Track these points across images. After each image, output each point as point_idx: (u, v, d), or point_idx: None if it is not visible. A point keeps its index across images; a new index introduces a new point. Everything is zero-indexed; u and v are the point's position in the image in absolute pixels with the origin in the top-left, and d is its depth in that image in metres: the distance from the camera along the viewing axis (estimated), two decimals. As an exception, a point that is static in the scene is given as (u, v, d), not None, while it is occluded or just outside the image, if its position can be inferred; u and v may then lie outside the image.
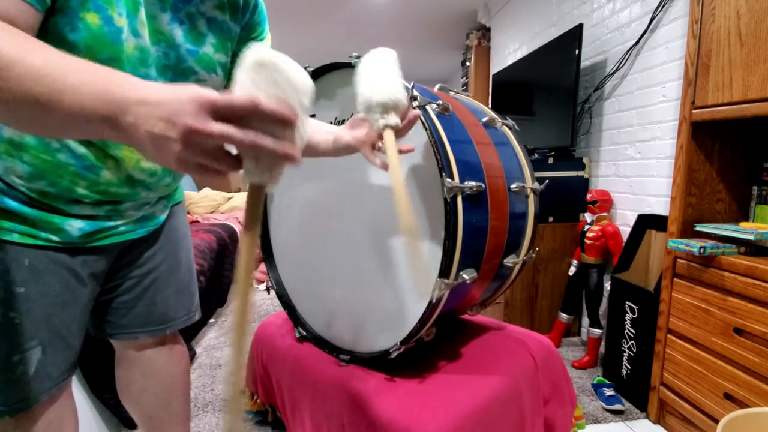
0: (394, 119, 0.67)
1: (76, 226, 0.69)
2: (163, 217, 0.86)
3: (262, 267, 1.36)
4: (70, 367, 0.75)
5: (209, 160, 0.41)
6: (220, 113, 0.39)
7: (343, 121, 1.00)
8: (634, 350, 1.57)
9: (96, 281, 0.76)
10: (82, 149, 0.64)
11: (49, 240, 0.67)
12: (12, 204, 0.63)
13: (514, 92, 2.65)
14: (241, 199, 4.25)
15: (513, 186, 0.99)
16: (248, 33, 0.79)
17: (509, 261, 1.01)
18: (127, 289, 0.83)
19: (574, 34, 1.96)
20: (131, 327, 0.86)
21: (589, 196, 1.94)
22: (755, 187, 1.32)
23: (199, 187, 4.19)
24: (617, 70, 1.91)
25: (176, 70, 0.69)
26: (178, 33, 0.67)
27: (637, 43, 1.78)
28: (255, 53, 0.43)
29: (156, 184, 0.75)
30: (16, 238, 0.64)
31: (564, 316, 2.03)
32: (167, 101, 0.39)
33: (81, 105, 0.40)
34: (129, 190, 0.60)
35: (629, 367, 1.60)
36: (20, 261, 0.65)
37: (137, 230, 0.80)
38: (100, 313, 0.84)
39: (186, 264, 0.92)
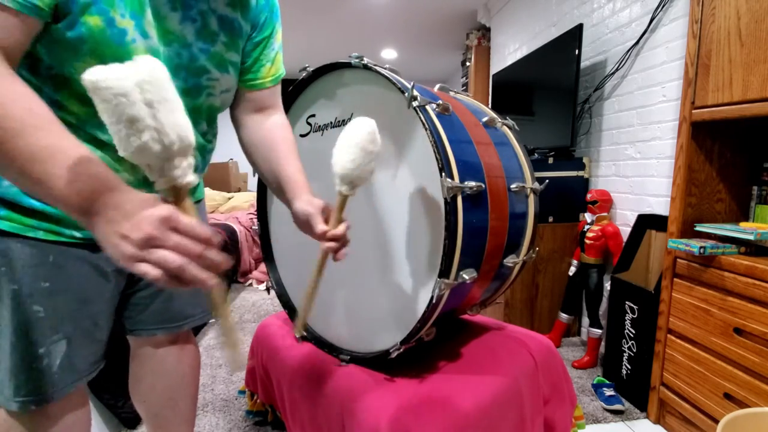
0: (346, 189, 0.73)
1: None
2: None
3: (262, 267, 1.36)
4: (98, 360, 0.77)
5: (153, 265, 0.44)
6: (178, 230, 0.45)
7: (344, 122, 1.00)
8: (634, 350, 1.57)
9: (121, 276, 0.77)
10: (97, 153, 0.66)
11: (73, 236, 0.68)
12: (35, 203, 0.65)
13: (514, 92, 2.65)
14: (241, 198, 4.25)
15: (513, 186, 0.99)
16: (259, 32, 0.79)
17: (509, 261, 1.01)
18: (146, 284, 0.84)
19: (574, 34, 1.96)
20: (149, 323, 0.87)
21: (589, 196, 1.94)
22: (755, 187, 1.32)
23: (199, 187, 4.19)
24: (617, 70, 1.91)
25: (189, 70, 0.69)
26: (190, 31, 0.68)
27: (637, 43, 1.78)
28: (85, 80, 0.42)
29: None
30: (40, 234, 0.65)
31: (564, 316, 2.03)
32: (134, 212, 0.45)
33: (62, 193, 0.46)
34: (147, 189, 0.59)
35: (629, 367, 1.60)
36: (45, 257, 0.66)
37: None
38: (119, 308, 0.84)
39: None
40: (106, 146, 0.66)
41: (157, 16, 0.63)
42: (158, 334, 0.90)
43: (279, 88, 0.88)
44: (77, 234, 0.68)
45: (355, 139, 0.71)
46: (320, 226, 0.71)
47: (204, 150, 0.82)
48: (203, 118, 0.80)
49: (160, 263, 0.44)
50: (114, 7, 0.58)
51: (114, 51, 0.59)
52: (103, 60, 0.56)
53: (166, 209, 0.45)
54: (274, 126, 0.85)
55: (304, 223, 0.76)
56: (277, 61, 0.85)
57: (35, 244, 0.66)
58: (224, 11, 0.72)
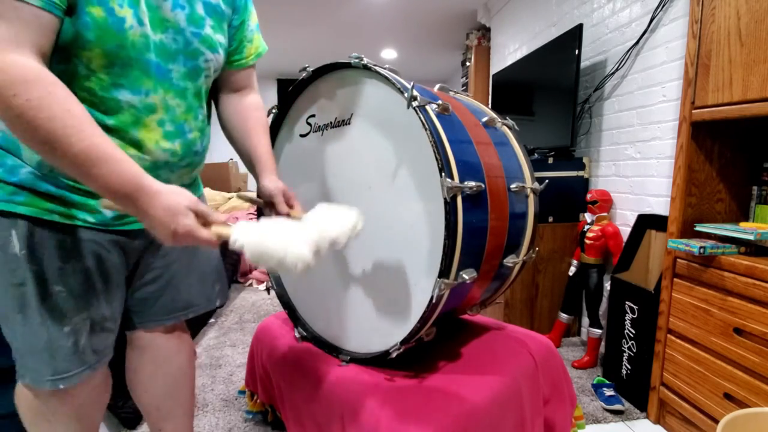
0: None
1: (110, 210, 0.76)
2: None
3: (262, 267, 1.36)
4: (112, 344, 0.83)
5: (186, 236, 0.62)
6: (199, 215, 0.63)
7: (343, 122, 1.00)
8: (634, 350, 1.57)
9: (127, 260, 0.83)
10: None
11: (86, 221, 0.74)
12: (51, 188, 0.71)
13: (514, 92, 2.65)
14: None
15: (513, 186, 0.99)
16: (238, 15, 0.87)
17: (509, 261, 1.01)
18: (153, 279, 0.90)
19: (574, 34, 1.96)
20: (159, 314, 0.92)
21: (589, 196, 1.94)
22: (755, 187, 1.32)
23: (199, 187, 4.19)
24: (617, 70, 1.91)
25: (186, 54, 0.76)
26: (181, 17, 0.74)
27: (637, 43, 1.78)
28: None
29: (177, 165, 0.82)
30: (56, 218, 0.71)
31: (564, 316, 2.03)
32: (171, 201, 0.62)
33: (107, 185, 0.59)
34: (153, 173, 0.68)
35: (629, 367, 1.60)
36: (61, 239, 0.72)
37: None
38: (129, 305, 0.90)
39: (205, 254, 0.98)
40: (112, 131, 0.71)
41: (150, 6, 0.70)
42: (167, 324, 0.94)
43: (254, 69, 0.96)
44: (90, 218, 0.74)
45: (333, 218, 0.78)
46: (282, 208, 0.84)
47: (203, 133, 0.87)
48: (204, 100, 0.86)
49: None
50: (112, 0, 0.64)
51: (114, 37, 0.66)
52: (106, 47, 0.66)
53: (184, 223, 0.61)
54: (249, 106, 0.94)
55: (266, 199, 0.86)
56: (256, 40, 0.93)
57: (53, 225, 0.71)
58: None
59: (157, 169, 0.78)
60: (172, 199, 0.61)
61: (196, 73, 0.79)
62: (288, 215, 0.84)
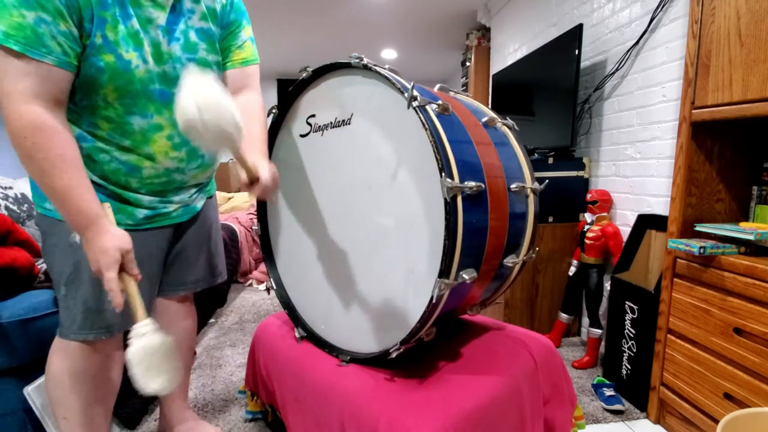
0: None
1: (141, 214, 0.97)
2: (200, 205, 1.11)
3: (262, 267, 1.37)
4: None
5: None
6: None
7: (344, 122, 1.01)
8: (634, 350, 1.57)
9: (161, 251, 1.04)
10: (124, 157, 0.91)
11: (125, 222, 0.94)
12: (102, 197, 0.88)
13: (514, 92, 2.65)
14: (241, 199, 4.25)
15: (513, 186, 0.99)
16: (227, 29, 1.00)
17: (509, 261, 1.01)
18: (174, 259, 1.12)
19: (574, 34, 1.96)
20: (176, 286, 1.15)
21: (589, 196, 1.94)
22: (755, 187, 1.32)
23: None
24: (617, 70, 1.91)
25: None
26: (177, 48, 0.91)
27: (637, 43, 1.78)
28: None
29: (186, 167, 0.99)
30: None
31: (564, 316, 2.03)
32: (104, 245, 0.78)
33: (70, 216, 0.79)
34: (167, 178, 0.93)
35: (629, 367, 1.60)
36: None
37: (182, 216, 1.06)
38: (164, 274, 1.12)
39: (214, 241, 1.20)
40: (129, 151, 0.90)
41: (152, 44, 0.86)
42: (180, 294, 1.17)
43: (253, 72, 1.08)
44: (128, 221, 0.95)
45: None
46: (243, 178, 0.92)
47: None
48: None
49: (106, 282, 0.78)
50: (119, 46, 0.81)
51: (123, 76, 0.83)
52: (117, 84, 0.83)
53: (116, 256, 0.78)
54: (245, 104, 1.03)
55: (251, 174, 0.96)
56: (247, 48, 1.05)
57: None
58: (199, 25, 0.94)
59: (171, 174, 0.97)
60: (105, 238, 0.78)
61: None
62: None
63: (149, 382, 0.74)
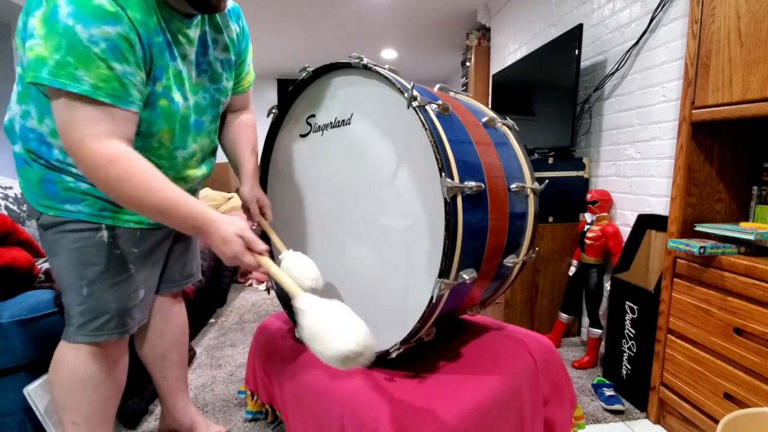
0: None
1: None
2: None
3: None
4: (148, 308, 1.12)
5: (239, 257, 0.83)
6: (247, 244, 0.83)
7: (343, 122, 1.01)
8: (634, 350, 1.57)
9: (162, 249, 1.09)
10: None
11: (146, 222, 0.98)
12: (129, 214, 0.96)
13: (514, 92, 2.65)
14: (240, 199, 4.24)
15: (513, 186, 0.99)
16: (240, 57, 1.07)
17: (509, 261, 1.01)
18: (169, 256, 1.16)
19: (574, 34, 1.96)
20: (171, 282, 1.19)
21: (589, 196, 1.94)
22: (755, 187, 1.32)
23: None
24: (617, 70, 1.91)
25: (212, 105, 1.02)
26: (205, 80, 0.99)
27: (637, 43, 1.78)
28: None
29: (195, 181, 1.07)
30: (132, 225, 0.96)
31: (564, 316, 2.03)
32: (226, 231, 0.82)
33: (183, 224, 0.83)
34: (184, 187, 0.98)
35: (629, 367, 1.60)
36: (135, 235, 0.97)
37: None
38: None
39: (194, 242, 1.27)
40: (169, 177, 0.93)
41: (188, 80, 0.93)
42: (174, 290, 1.21)
43: (251, 91, 1.19)
44: (144, 220, 0.98)
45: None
46: (255, 215, 1.08)
47: (215, 148, 1.12)
48: (217, 123, 1.09)
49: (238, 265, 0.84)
50: (171, 90, 0.89)
51: (174, 117, 0.91)
52: (170, 126, 0.91)
53: (239, 245, 0.82)
54: (241, 123, 1.15)
55: (244, 203, 1.09)
56: (251, 71, 1.16)
57: (128, 228, 0.96)
58: (222, 56, 1.01)
59: (186, 184, 1.05)
60: (224, 229, 0.81)
61: (217, 114, 1.06)
62: (258, 224, 1.08)
63: (345, 340, 0.66)
